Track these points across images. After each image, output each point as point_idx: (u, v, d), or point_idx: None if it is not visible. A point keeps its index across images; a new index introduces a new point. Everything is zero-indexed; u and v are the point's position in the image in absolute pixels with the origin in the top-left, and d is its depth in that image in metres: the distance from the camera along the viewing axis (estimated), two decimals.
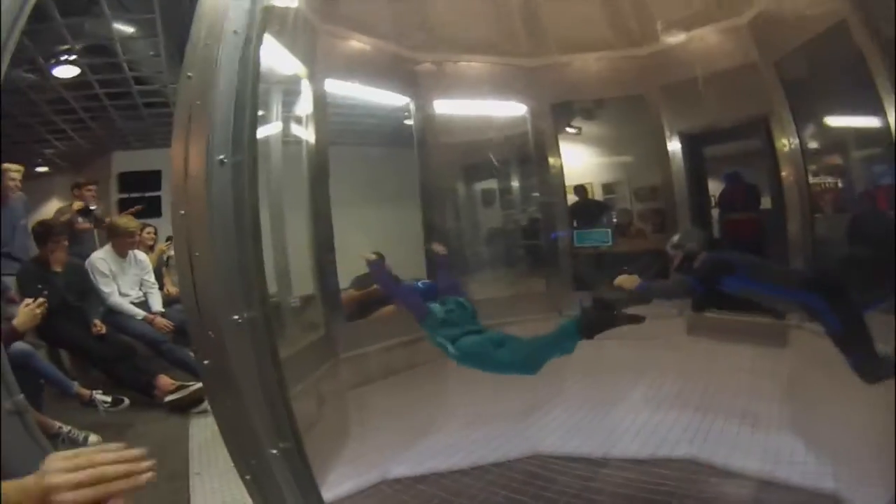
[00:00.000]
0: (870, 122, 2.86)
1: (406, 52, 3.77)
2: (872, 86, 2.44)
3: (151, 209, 8.93)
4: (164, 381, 4.22)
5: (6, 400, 1.29)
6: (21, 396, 1.33)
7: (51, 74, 6.93)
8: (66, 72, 6.93)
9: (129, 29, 6.27)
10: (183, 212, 1.60)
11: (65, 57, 6.69)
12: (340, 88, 2.70)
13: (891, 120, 2.42)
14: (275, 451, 1.65)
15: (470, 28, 3.95)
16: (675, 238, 3.37)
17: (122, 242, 4.98)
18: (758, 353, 3.30)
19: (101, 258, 4.83)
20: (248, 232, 1.54)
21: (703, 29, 3.58)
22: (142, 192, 9.72)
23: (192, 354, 4.56)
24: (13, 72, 6.56)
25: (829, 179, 3.24)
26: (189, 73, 1.66)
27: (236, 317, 1.54)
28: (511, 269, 3.87)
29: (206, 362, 1.62)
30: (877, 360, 2.59)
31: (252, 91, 1.60)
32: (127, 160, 10.03)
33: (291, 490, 1.68)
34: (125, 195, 9.65)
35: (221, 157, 1.54)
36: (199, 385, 3.94)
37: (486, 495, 2.71)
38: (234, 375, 1.59)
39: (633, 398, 3.37)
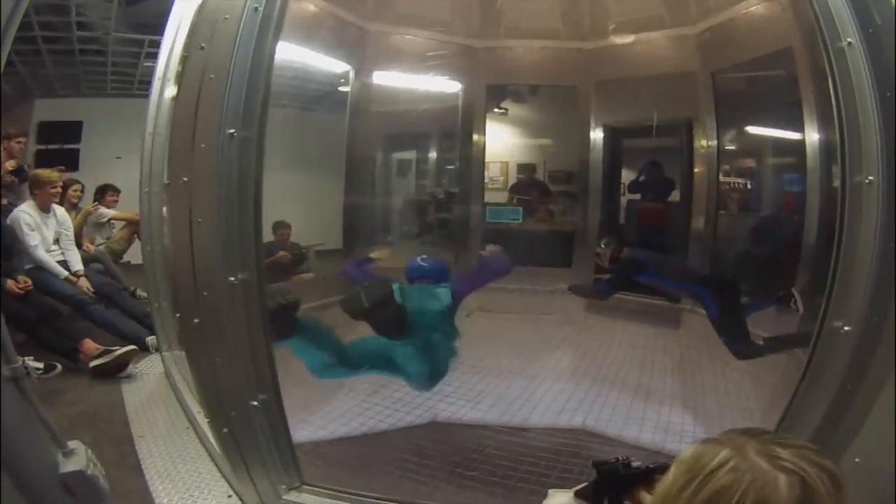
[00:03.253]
0: (789, 136, 3.21)
1: (357, 19, 3.91)
2: (799, 106, 2.83)
3: (69, 161, 8.62)
4: (90, 344, 3.98)
5: (5, 367, 1.38)
6: (20, 363, 1.41)
7: None
8: None
9: None
10: (186, 179, 1.72)
11: None
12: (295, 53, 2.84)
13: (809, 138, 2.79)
14: (255, 403, 1.79)
15: (426, 3, 4.11)
16: (605, 239, 3.72)
17: (44, 196, 4.70)
18: (653, 332, 3.63)
19: (25, 211, 4.57)
20: (251, 202, 1.67)
21: (653, 33, 3.87)
22: (61, 144, 9.27)
23: (116, 316, 4.52)
24: None
25: (739, 181, 3.62)
26: (202, 45, 1.76)
27: (232, 278, 1.68)
28: (421, 240, 4.09)
29: (195, 320, 1.75)
30: (747, 342, 3.05)
31: (267, 70, 1.72)
32: (49, 108, 9.41)
33: (266, 438, 1.84)
34: (44, 146, 9.09)
35: (231, 130, 1.66)
36: (126, 349, 3.88)
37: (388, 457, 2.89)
38: (224, 333, 1.73)
39: (530, 370, 3.65)
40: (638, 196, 4.10)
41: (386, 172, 4.23)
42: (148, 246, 3.76)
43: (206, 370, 1.81)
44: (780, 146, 3.50)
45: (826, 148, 2.65)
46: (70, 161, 8.82)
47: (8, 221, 4.48)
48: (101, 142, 9.28)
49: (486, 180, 4.22)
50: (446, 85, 4.27)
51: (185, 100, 1.78)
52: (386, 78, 4.13)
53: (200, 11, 1.87)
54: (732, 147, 3.70)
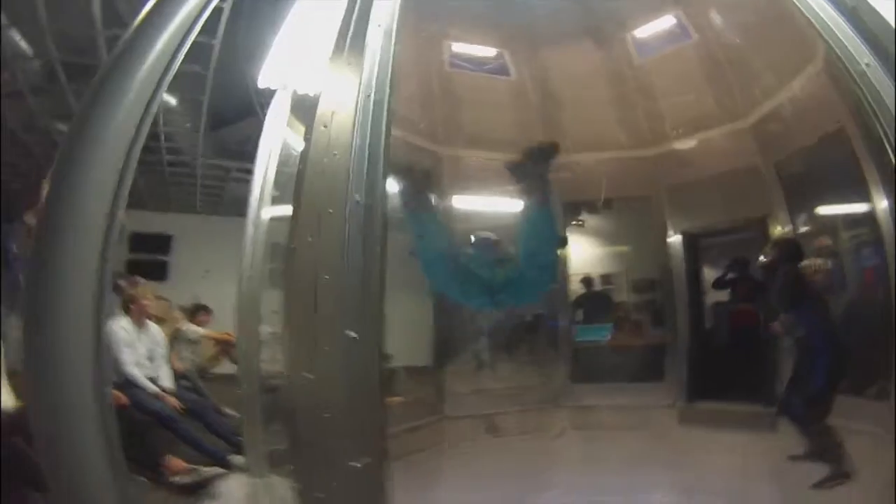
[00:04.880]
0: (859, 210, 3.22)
1: (429, 144, 4.14)
2: (864, 183, 2.83)
3: (158, 272, 9.06)
4: (176, 462, 4.18)
5: None
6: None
7: None
8: None
9: (173, 101, 6.65)
10: (310, 239, 1.86)
11: None
12: None
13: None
14: (357, 465, 1.80)
15: (492, 124, 4.33)
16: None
17: (139, 311, 4.95)
18: (748, 438, 3.48)
19: (121, 326, 4.76)
20: (377, 261, 1.79)
21: (710, 132, 3.98)
22: (150, 255, 9.78)
23: (201, 434, 4.57)
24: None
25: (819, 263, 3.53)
26: (324, 125, 1.97)
27: (353, 334, 1.76)
28: (511, 360, 4.08)
29: (307, 374, 1.82)
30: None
31: (385, 146, 1.90)
32: (139, 220, 10.00)
33: None
34: (134, 256, 9.33)
35: (357, 197, 1.82)
36: (213, 470, 3.98)
37: None
38: (337, 389, 1.80)
39: (627, 486, 3.50)
40: (726, 297, 4.08)
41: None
42: (244, 363, 3.81)
43: (311, 426, 1.86)
44: (853, 221, 3.45)
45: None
46: (159, 272, 9.31)
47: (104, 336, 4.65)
48: (189, 256, 9.75)
49: (569, 293, 4.29)
50: (517, 204, 4.45)
51: (312, 176, 1.95)
52: (461, 201, 4.34)
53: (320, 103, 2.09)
54: (807, 231, 3.70)
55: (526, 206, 3.34)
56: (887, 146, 1.85)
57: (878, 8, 1.96)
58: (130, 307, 4.91)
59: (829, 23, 2.09)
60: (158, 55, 1.91)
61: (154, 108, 1.90)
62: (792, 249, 3.45)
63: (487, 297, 3.36)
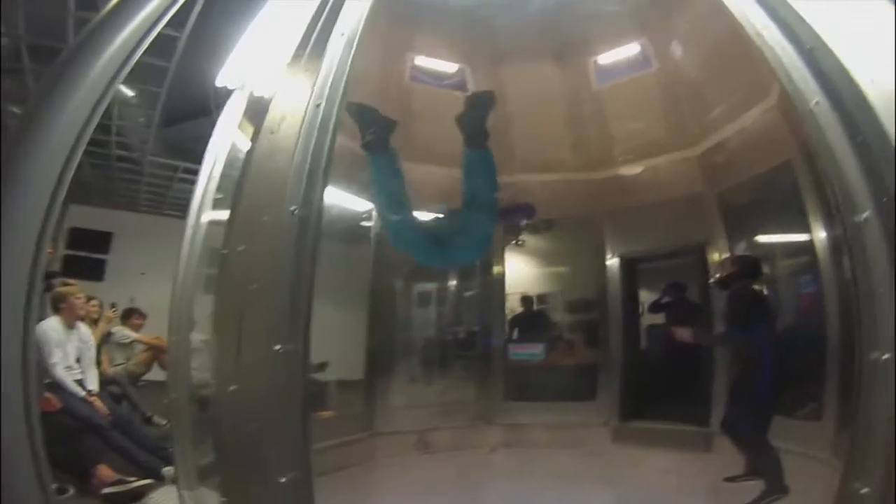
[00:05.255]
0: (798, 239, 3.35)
1: None
2: (805, 214, 2.97)
3: (95, 271, 8.79)
4: (106, 471, 3.96)
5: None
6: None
7: None
8: None
9: (130, 93, 6.51)
10: (242, 248, 1.83)
11: None
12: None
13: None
14: (283, 480, 1.75)
15: (439, 140, 4.35)
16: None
17: (70, 311, 4.71)
18: (683, 457, 3.55)
19: (53, 327, 4.53)
20: (307, 273, 1.77)
21: (658, 159, 4.06)
22: (90, 252, 9.52)
23: (134, 444, 4.42)
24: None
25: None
26: (272, 131, 1.96)
27: (278, 347, 1.73)
28: (444, 372, 4.08)
29: (231, 388, 1.78)
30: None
31: (328, 158, 1.89)
32: (81, 215, 9.58)
33: None
34: (72, 252, 9.31)
35: (293, 208, 1.80)
36: (142, 482, 3.87)
37: None
38: (261, 402, 1.76)
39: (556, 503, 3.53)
40: (661, 319, 4.17)
41: (406, 304, 4.32)
42: (174, 370, 3.63)
43: (234, 441, 1.82)
44: (791, 250, 3.61)
45: (834, 247, 2.74)
46: (96, 271, 9.03)
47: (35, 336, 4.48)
48: (128, 256, 9.52)
49: (506, 311, 4.33)
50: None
51: (254, 180, 1.92)
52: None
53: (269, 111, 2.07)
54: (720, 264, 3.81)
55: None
56: (827, 186, 1.90)
57: (835, 50, 1.98)
58: (61, 307, 4.65)
59: (785, 61, 2.10)
60: (122, 43, 1.83)
61: (108, 97, 1.83)
62: (751, 266, 3.55)
63: (436, 248, 3.52)
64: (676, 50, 4.11)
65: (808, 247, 3.06)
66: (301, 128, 1.93)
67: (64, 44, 5.50)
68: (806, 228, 3.05)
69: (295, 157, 1.87)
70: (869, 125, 1.84)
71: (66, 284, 5.19)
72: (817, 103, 1.97)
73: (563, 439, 3.78)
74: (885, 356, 1.67)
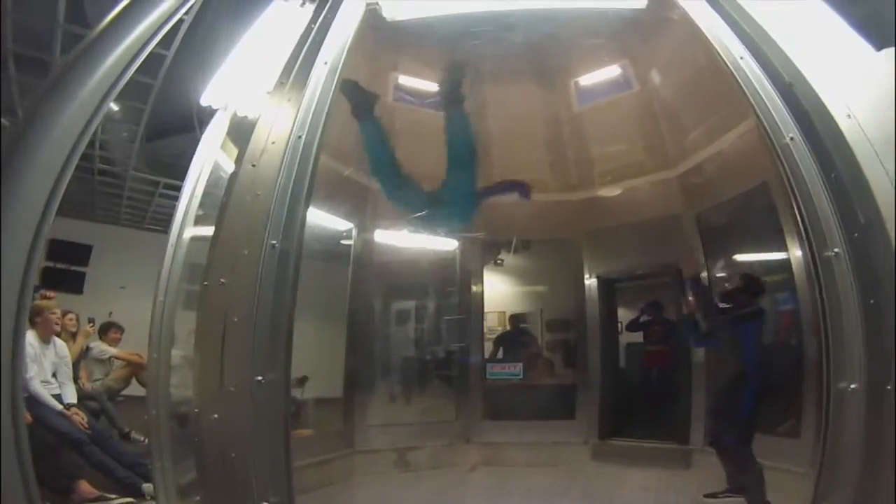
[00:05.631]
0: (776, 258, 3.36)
1: (358, 176, 4.15)
2: (781, 232, 3.02)
3: (74, 284, 8.71)
4: (86, 487, 3.97)
5: None
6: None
7: None
8: None
9: (114, 108, 6.48)
10: (224, 281, 1.86)
11: None
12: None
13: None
14: None
15: (421, 158, 4.39)
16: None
17: (46, 325, 4.67)
18: (662, 474, 3.59)
19: (28, 342, 4.39)
20: (286, 305, 1.81)
21: (637, 180, 4.10)
22: (68, 265, 9.42)
23: (112, 459, 4.39)
24: None
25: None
26: (253, 163, 2.00)
27: (259, 377, 1.77)
28: (423, 391, 4.10)
29: (214, 416, 1.82)
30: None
31: (308, 190, 1.93)
32: (60, 227, 9.57)
33: None
34: (51, 264, 9.18)
35: (274, 241, 1.84)
36: (123, 499, 3.89)
37: None
38: (244, 430, 1.80)
39: None
40: (639, 338, 4.22)
41: (385, 323, 4.35)
42: (153, 387, 3.63)
43: (218, 467, 1.85)
44: (769, 269, 3.64)
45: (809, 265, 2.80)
46: (75, 284, 8.95)
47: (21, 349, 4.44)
48: (107, 269, 9.45)
49: (484, 330, 4.36)
50: (443, 241, 4.52)
51: (233, 213, 1.96)
52: (385, 235, 4.36)
53: (252, 137, 2.10)
54: (722, 277, 3.87)
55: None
56: (799, 219, 1.95)
57: (814, 85, 2.01)
58: (36, 321, 4.58)
59: (763, 95, 2.13)
60: (115, 61, 1.86)
61: (101, 115, 1.86)
62: (757, 286, 3.60)
63: (427, 207, 3.93)
64: (658, 72, 4.17)
65: (786, 265, 3.11)
66: (283, 160, 1.97)
67: (51, 56, 5.55)
68: (783, 247, 3.10)
69: (276, 191, 1.91)
70: (843, 160, 1.89)
71: (45, 297, 5.16)
72: (792, 138, 2.02)
73: (542, 458, 3.81)
74: (853, 386, 1.72)
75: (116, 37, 1.91)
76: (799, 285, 3.01)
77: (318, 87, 2.18)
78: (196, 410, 1.93)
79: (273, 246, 1.84)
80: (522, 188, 4.14)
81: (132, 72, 1.94)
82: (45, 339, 4.67)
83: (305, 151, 2.01)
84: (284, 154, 1.98)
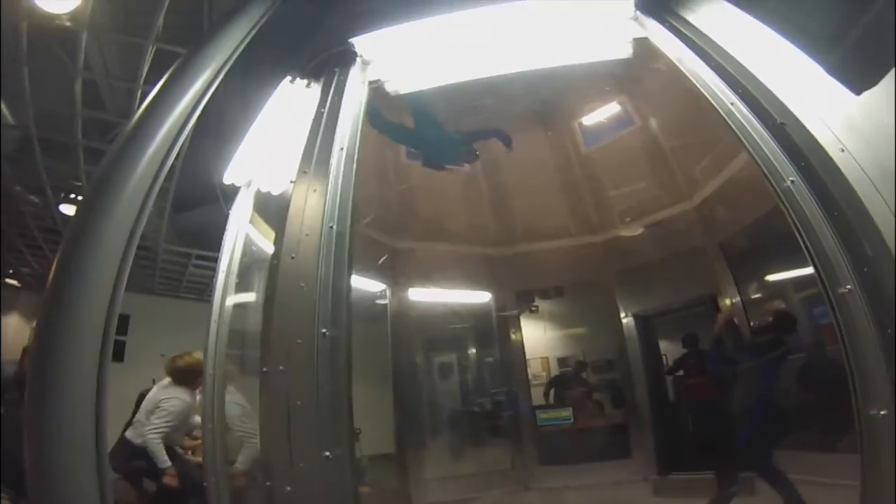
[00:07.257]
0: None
1: (386, 238, 4.25)
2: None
3: (115, 353, 8.90)
4: None
5: None
6: None
7: (55, 208, 7.43)
8: (69, 209, 7.37)
9: None
10: (282, 368, 2.01)
11: (74, 195, 7.20)
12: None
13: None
14: None
15: (446, 218, 4.49)
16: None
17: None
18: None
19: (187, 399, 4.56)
20: (344, 387, 1.96)
21: (657, 215, 4.12)
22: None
23: None
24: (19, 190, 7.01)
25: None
26: (292, 255, 2.16)
27: (327, 453, 1.91)
28: (476, 442, 4.13)
29: (287, 489, 1.94)
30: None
31: (348, 279, 2.09)
32: None
33: None
34: None
35: (324, 330, 2.01)
36: None
37: None
38: (318, 500, 1.93)
39: None
40: (681, 372, 4.21)
41: (430, 378, 4.42)
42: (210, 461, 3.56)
43: None
44: (801, 285, 3.65)
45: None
46: (116, 353, 9.15)
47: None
48: (146, 337, 9.65)
49: (529, 377, 4.40)
50: (477, 295, 4.59)
51: (279, 308, 2.12)
52: (419, 293, 4.45)
53: (287, 228, 2.27)
54: (755, 307, 3.84)
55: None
56: (808, 259, 1.99)
57: (807, 125, 2.03)
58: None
59: (756, 138, 2.15)
60: (154, 152, 2.07)
61: (153, 198, 2.05)
62: (789, 322, 3.61)
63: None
64: (655, 107, 4.25)
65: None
66: (319, 251, 2.14)
67: (72, 139, 5.82)
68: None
69: (319, 281, 2.08)
70: (843, 196, 1.93)
71: None
72: (793, 181, 2.06)
73: (604, 499, 3.82)
74: (883, 412, 1.76)
75: (155, 124, 2.14)
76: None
77: (340, 175, 2.36)
78: (267, 484, 2.06)
79: (324, 334, 2.00)
80: (501, 135, 4.18)
81: (174, 156, 2.14)
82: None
83: (339, 241, 2.18)
84: (320, 246, 2.15)
